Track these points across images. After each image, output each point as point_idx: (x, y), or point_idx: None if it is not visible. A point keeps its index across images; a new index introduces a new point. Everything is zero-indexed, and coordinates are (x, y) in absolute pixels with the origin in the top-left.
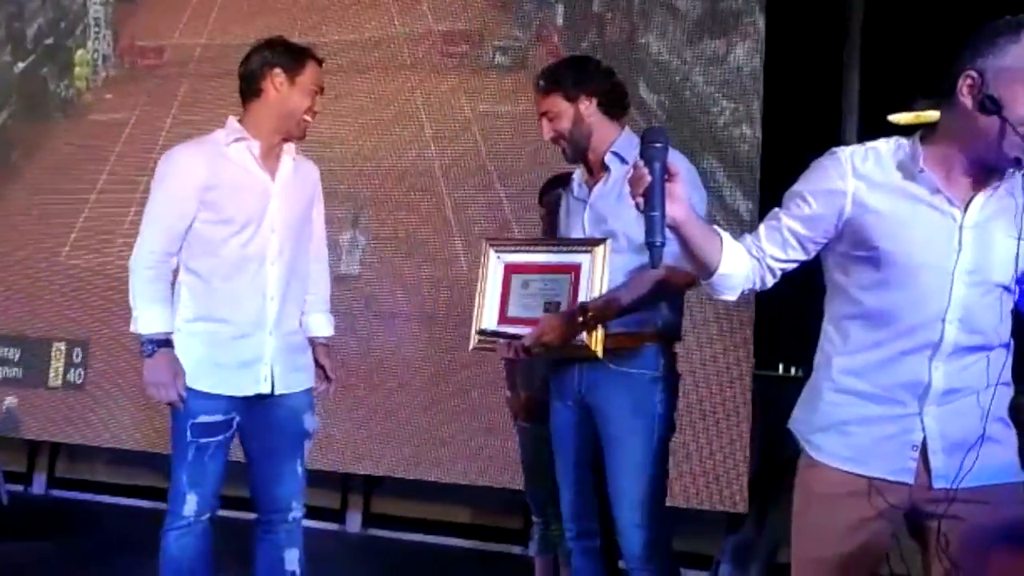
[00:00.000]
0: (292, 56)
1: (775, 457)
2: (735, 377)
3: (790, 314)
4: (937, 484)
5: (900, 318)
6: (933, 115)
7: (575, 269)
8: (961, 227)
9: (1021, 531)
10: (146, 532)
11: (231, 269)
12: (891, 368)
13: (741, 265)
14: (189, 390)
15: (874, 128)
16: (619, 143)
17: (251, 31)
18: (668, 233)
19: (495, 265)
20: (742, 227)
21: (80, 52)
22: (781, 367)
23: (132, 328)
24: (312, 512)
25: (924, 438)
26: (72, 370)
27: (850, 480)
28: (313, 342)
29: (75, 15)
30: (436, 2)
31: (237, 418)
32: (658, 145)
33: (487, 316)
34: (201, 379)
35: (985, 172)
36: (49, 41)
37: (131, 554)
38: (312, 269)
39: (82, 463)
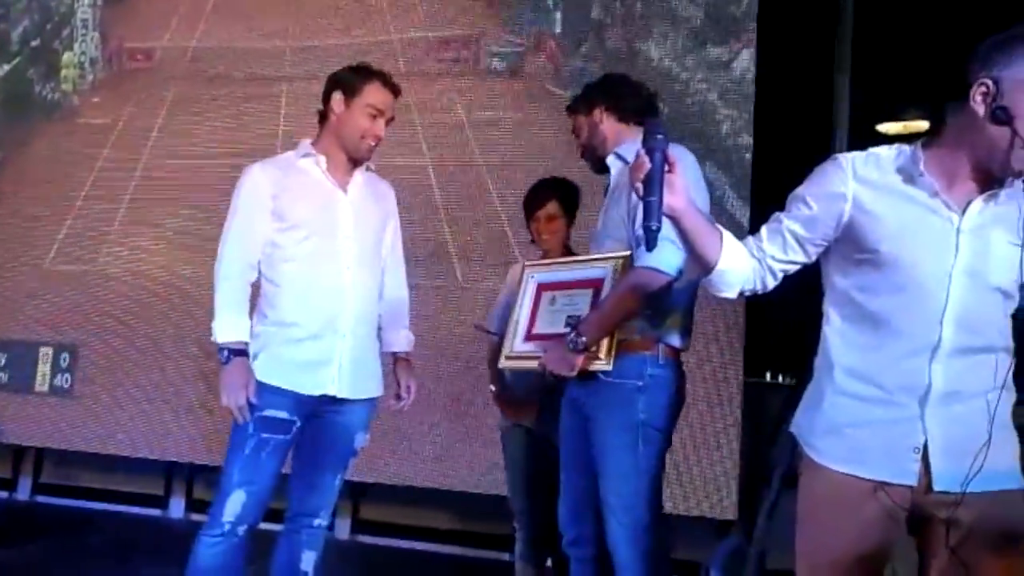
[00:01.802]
0: (351, 77)
1: (763, 464)
2: (725, 384)
3: (780, 322)
4: (938, 487)
5: (899, 319)
6: (921, 125)
7: (598, 283)
8: (959, 230)
9: (1021, 537)
10: (132, 538)
11: (304, 274)
12: (891, 370)
13: (741, 263)
14: (258, 384)
15: (864, 138)
16: (624, 145)
17: (242, 34)
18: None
19: (528, 285)
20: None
21: (67, 54)
22: (769, 375)
23: (213, 337)
24: None
25: (925, 440)
26: (59, 375)
27: (852, 482)
28: (394, 358)
29: (62, 17)
30: (431, 7)
31: (299, 423)
32: (659, 136)
33: (516, 338)
34: (271, 373)
35: (987, 179)
36: (35, 43)
37: (116, 560)
38: (391, 285)
39: (68, 468)
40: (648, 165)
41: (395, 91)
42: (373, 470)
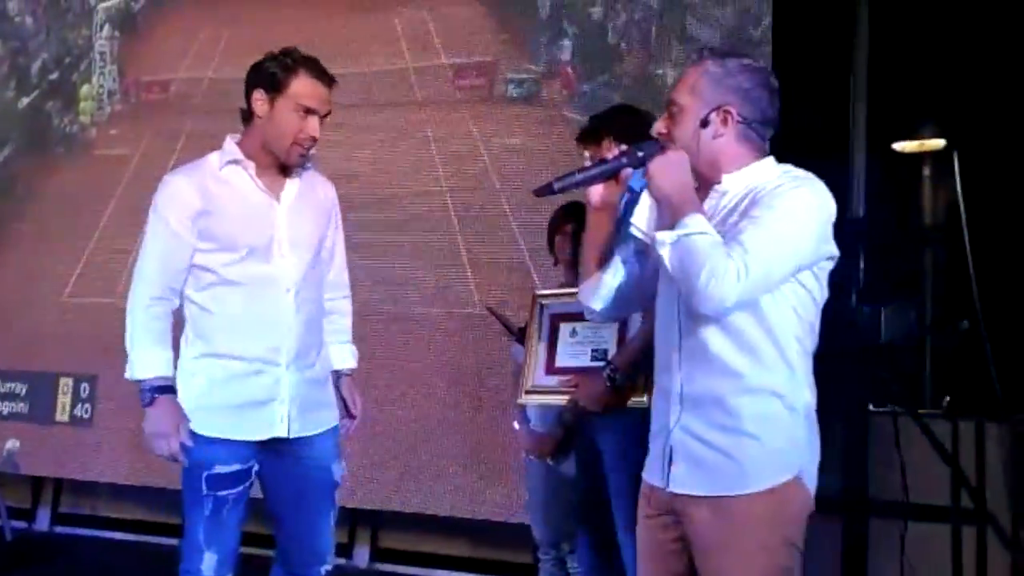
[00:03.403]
0: (274, 73)
1: None
2: None
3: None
4: (671, 488)
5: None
6: (937, 143)
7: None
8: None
9: (735, 543)
10: (148, 568)
11: (240, 299)
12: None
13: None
14: (199, 437)
15: (880, 157)
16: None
17: None
18: None
19: (541, 317)
20: None
21: (85, 87)
22: None
23: (127, 374)
24: None
25: (672, 444)
26: (79, 405)
27: (646, 487)
28: (337, 375)
29: (80, 50)
30: (447, 35)
31: (256, 466)
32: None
33: (536, 371)
34: (211, 424)
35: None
36: (54, 76)
37: None
38: (332, 297)
39: (86, 498)
40: (616, 150)
41: (328, 82)
42: (392, 499)
